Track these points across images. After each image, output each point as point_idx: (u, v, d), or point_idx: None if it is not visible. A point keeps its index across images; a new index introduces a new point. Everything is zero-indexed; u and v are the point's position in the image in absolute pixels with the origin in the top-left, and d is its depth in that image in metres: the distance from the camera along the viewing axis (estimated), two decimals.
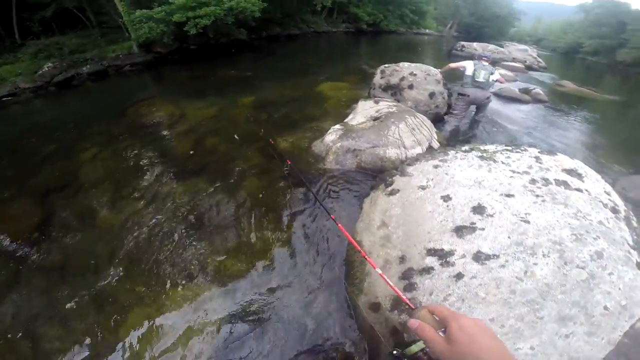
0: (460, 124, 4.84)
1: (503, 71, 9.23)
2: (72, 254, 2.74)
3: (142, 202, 3.24)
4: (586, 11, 35.86)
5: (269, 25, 17.21)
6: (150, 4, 11.66)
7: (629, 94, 11.93)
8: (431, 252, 1.78)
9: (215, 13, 11.46)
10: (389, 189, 2.58)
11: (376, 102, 4.28)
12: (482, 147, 2.84)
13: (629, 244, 1.69)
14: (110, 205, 3.27)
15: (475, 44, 14.74)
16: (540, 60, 14.94)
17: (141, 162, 4.05)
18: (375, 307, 1.82)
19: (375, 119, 3.83)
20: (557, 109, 6.72)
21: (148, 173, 3.78)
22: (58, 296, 2.35)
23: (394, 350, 0.66)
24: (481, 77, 4.52)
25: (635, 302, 1.42)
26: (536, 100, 7.13)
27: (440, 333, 0.55)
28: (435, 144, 3.84)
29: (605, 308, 1.38)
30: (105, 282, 2.42)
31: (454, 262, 1.67)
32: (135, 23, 11.54)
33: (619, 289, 1.44)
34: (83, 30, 13.92)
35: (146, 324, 2.09)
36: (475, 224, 1.83)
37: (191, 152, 4.15)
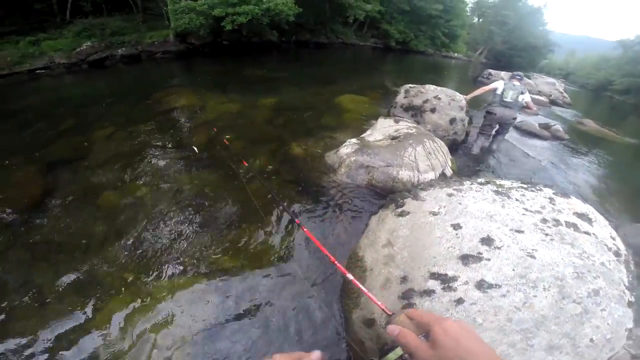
0: (486, 143, 4.95)
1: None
2: (65, 230, 2.72)
3: (147, 188, 3.27)
4: (625, 47, 34.74)
5: (300, 30, 17.57)
6: None
7: None
8: (434, 275, 1.82)
9: (253, 12, 11.83)
10: (399, 210, 2.59)
11: (396, 122, 4.29)
12: (498, 182, 2.84)
13: (624, 284, 1.80)
14: (114, 186, 3.30)
15: (502, 73, 14.40)
16: (566, 95, 14.66)
17: (154, 148, 4.12)
18: (370, 322, 1.85)
19: (394, 138, 3.83)
20: (575, 148, 6.61)
21: (159, 159, 3.84)
22: (40, 272, 2.32)
23: (371, 359, 0.66)
24: (509, 97, 4.52)
25: (619, 336, 1.54)
26: (555, 137, 7.02)
27: (422, 338, 0.53)
28: (449, 172, 3.82)
29: (591, 340, 1.50)
30: (93, 264, 2.39)
31: (456, 287, 1.72)
32: (178, 12, 12.03)
33: (608, 324, 1.56)
34: (129, 14, 14.52)
35: (126, 312, 2.05)
36: (482, 254, 1.87)
37: (205, 145, 4.21)
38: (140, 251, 2.50)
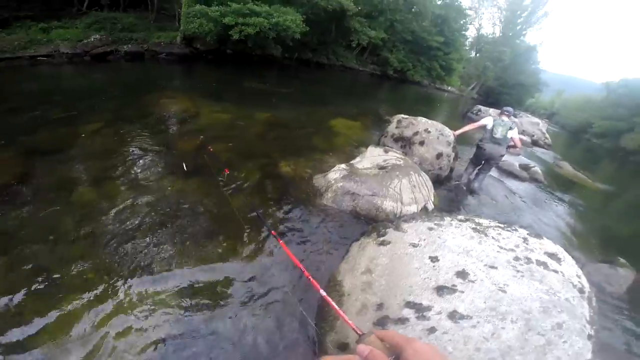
0: (472, 175, 5.18)
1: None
2: (32, 223, 2.60)
3: (125, 188, 3.20)
4: (609, 90, 35.55)
5: (303, 49, 17.98)
6: (210, 2, 12.35)
7: (620, 183, 12.34)
8: (410, 304, 1.92)
9: (262, 24, 12.10)
10: (381, 239, 2.70)
11: (385, 151, 4.45)
12: (477, 220, 2.99)
13: (586, 318, 1.92)
14: (91, 183, 3.21)
15: (491, 110, 14.84)
16: (547, 136, 15.03)
17: (139, 149, 4.06)
18: (343, 346, 1.91)
19: (381, 167, 3.96)
20: (551, 191, 6.94)
21: (142, 161, 3.78)
22: None
23: None
24: (499, 134, 4.64)
25: None
26: (533, 179, 7.33)
27: None
28: (431, 206, 3.95)
29: None
30: (55, 260, 2.29)
31: (429, 316, 1.82)
32: (190, 16, 12.19)
33: (568, 354, 1.67)
34: (143, 12, 14.63)
35: (85, 315, 1.97)
36: (456, 286, 1.99)
37: (192, 153, 4.20)
38: (109, 253, 2.42)
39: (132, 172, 3.54)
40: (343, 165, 3.93)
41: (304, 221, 3.22)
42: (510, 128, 4.66)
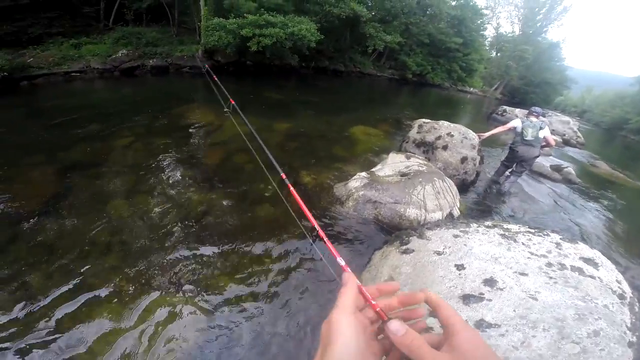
0: (503, 176, 5.13)
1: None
2: (69, 234, 2.77)
3: (156, 201, 3.37)
4: None
5: (320, 57, 18.15)
6: (227, 15, 12.76)
7: None
8: (434, 313, 1.88)
9: (278, 35, 12.37)
10: (404, 247, 2.64)
11: (407, 158, 4.37)
12: (505, 226, 2.89)
13: (627, 325, 1.82)
14: (125, 196, 3.40)
15: (517, 110, 14.35)
16: (579, 135, 14.22)
17: (169, 162, 4.27)
18: None
19: (403, 174, 3.89)
20: (586, 192, 6.52)
21: (171, 174, 3.97)
22: (35, 271, 2.37)
23: None
24: (529, 136, 4.56)
25: None
26: (566, 180, 6.91)
27: None
28: (456, 212, 3.83)
29: None
30: (89, 269, 2.42)
31: None
32: (209, 29, 12.64)
33: None
34: (165, 26, 15.35)
35: (114, 322, 2.06)
36: (483, 294, 1.93)
37: (217, 164, 4.34)
38: (140, 263, 2.54)
39: (162, 184, 3.71)
40: (364, 174, 3.89)
41: (325, 231, 3.20)
42: (541, 128, 4.55)
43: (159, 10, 15.00)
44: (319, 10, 16.55)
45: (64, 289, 2.28)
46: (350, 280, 0.47)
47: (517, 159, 4.83)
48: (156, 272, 2.48)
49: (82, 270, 2.43)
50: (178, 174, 4.01)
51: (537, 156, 4.75)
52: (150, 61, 12.51)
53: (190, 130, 5.69)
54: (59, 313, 2.11)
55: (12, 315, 2.07)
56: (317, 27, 13.85)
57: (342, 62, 20.33)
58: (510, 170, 5.05)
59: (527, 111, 4.89)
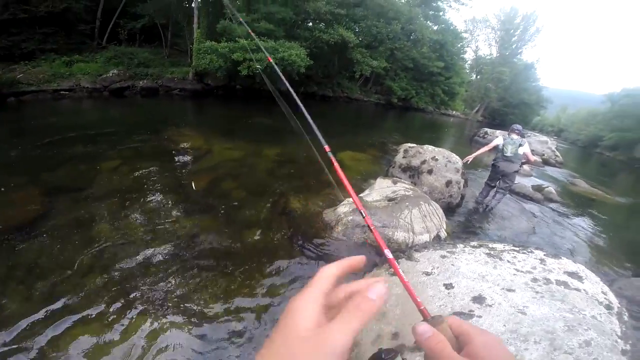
0: (489, 195, 5.34)
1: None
2: (50, 256, 2.73)
3: (142, 226, 3.31)
4: (612, 101, 35.30)
5: (309, 83, 18.67)
6: (220, 39, 13.06)
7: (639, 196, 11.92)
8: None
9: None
10: (393, 269, 2.68)
11: (394, 183, 4.47)
12: (490, 245, 2.99)
13: (617, 334, 1.86)
14: (110, 220, 3.33)
15: (497, 132, 14.59)
16: (558, 154, 14.84)
17: (156, 187, 4.23)
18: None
19: (391, 199, 3.98)
20: (568, 210, 6.77)
21: (158, 199, 3.93)
22: (13, 293, 2.33)
23: None
24: (509, 152, 4.89)
25: None
26: (548, 199, 7.18)
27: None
28: (443, 234, 3.92)
29: None
30: (68, 292, 2.37)
31: None
32: (201, 52, 12.89)
33: None
34: (157, 47, 15.62)
35: (93, 346, 2.01)
36: (473, 311, 1.96)
37: (205, 189, 4.34)
38: (123, 287, 2.48)
39: (148, 209, 3.66)
40: (352, 199, 3.94)
41: (315, 255, 3.23)
42: (520, 145, 4.85)
43: (152, 31, 15.32)
44: (309, 35, 17.18)
45: (44, 310, 2.23)
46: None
47: (498, 174, 5.10)
48: (141, 294, 2.43)
49: (63, 292, 2.38)
50: (165, 198, 3.98)
51: (516, 171, 5.02)
52: (141, 82, 12.60)
53: (179, 154, 5.70)
54: (36, 334, 2.06)
55: None
56: (307, 53, 14.30)
57: (330, 88, 20.93)
58: (495, 188, 5.27)
59: (510, 128, 5.20)
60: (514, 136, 4.95)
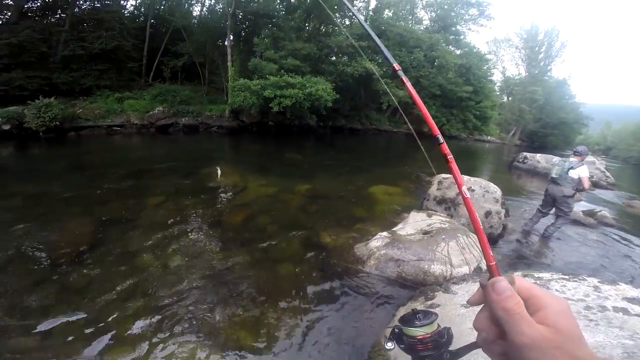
0: (538, 222, 5.19)
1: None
2: (96, 280, 2.98)
3: (182, 257, 3.51)
4: None
5: (337, 116, 19.14)
6: (252, 76, 13.98)
7: None
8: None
9: (297, 95, 13.31)
10: (429, 302, 2.62)
11: (429, 216, 4.35)
12: (536, 275, 2.85)
13: None
14: (154, 251, 3.59)
15: (538, 156, 13.49)
16: (608, 175, 13.45)
17: (196, 221, 4.49)
18: None
19: (426, 232, 3.87)
20: (625, 234, 6.07)
21: (198, 233, 4.16)
22: (58, 310, 2.56)
23: (396, 326, 0.56)
24: (553, 173, 4.84)
25: None
26: (602, 223, 6.54)
27: None
28: (484, 266, 3.71)
29: None
30: (112, 315, 2.54)
31: None
32: (235, 90, 13.82)
33: None
34: (196, 85, 17.03)
35: None
36: None
37: (241, 225, 4.53)
38: (161, 314, 2.62)
39: (188, 242, 3.89)
40: (385, 233, 3.90)
41: (347, 289, 3.21)
42: (571, 168, 4.61)
43: (192, 69, 16.81)
44: (334, 69, 17.86)
45: (84, 328, 2.41)
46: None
47: (548, 198, 4.94)
48: (177, 321, 2.56)
49: (103, 313, 2.58)
50: (204, 232, 4.19)
51: (566, 195, 4.72)
52: (183, 119, 13.64)
53: (217, 190, 6.02)
54: (76, 350, 2.22)
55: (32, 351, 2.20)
56: (333, 87, 14.81)
57: (358, 120, 21.22)
58: (551, 212, 5.09)
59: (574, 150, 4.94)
60: (572, 158, 4.72)
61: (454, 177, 0.58)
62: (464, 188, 0.53)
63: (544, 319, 0.37)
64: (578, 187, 4.65)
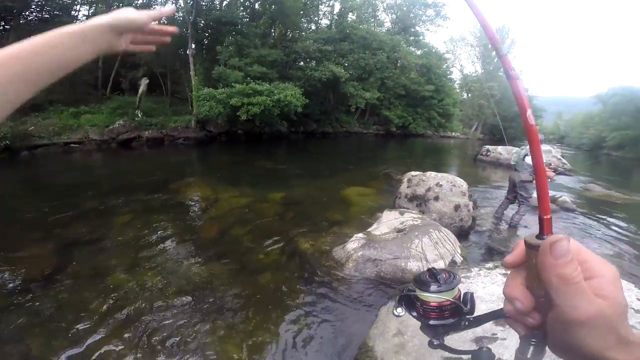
0: (507, 208, 5.48)
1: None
2: (68, 304, 2.84)
3: (158, 274, 3.37)
4: (603, 101, 35.35)
5: (307, 121, 19.27)
6: (217, 85, 13.66)
7: None
8: None
9: (265, 102, 13.16)
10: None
11: (401, 214, 4.46)
12: None
13: None
14: (124, 269, 3.42)
15: (499, 148, 14.23)
16: (565, 162, 14.47)
17: (168, 238, 4.31)
18: None
19: (399, 230, 3.95)
20: (586, 217, 6.54)
21: (171, 249, 4.00)
22: (33, 337, 2.41)
23: (408, 288, 0.47)
24: (512, 160, 5.24)
25: None
26: (563, 208, 6.97)
27: None
28: (459, 259, 3.85)
29: None
30: (86, 337, 2.43)
31: None
32: (200, 99, 13.42)
33: None
34: (159, 96, 16.27)
35: None
36: (496, 334, 1.95)
37: (216, 238, 4.41)
38: (139, 332, 2.51)
39: (161, 260, 3.72)
40: (360, 235, 3.95)
41: (329, 293, 3.21)
42: (527, 154, 4.94)
43: (152, 80, 16.02)
44: (302, 75, 17.98)
45: (62, 354, 2.28)
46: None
47: (510, 185, 5.28)
48: (158, 340, 2.46)
49: (80, 337, 2.44)
50: (177, 248, 4.05)
51: (523, 180, 5.01)
52: (146, 132, 12.93)
53: (187, 205, 5.81)
54: None
55: None
56: (302, 92, 14.88)
57: (329, 124, 21.52)
58: (514, 201, 5.34)
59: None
60: (526, 146, 5.07)
61: (517, 97, 0.40)
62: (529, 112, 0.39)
63: (599, 290, 0.31)
64: (532, 171, 4.97)
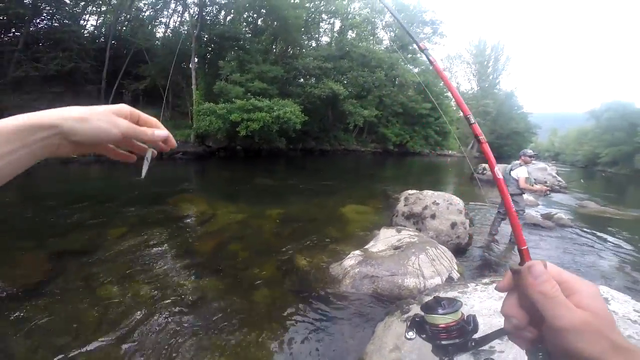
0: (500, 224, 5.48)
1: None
2: (58, 314, 2.80)
3: (152, 288, 3.34)
4: (596, 117, 35.62)
5: (306, 138, 19.48)
6: (217, 100, 13.78)
7: None
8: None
9: (264, 119, 13.27)
10: (405, 315, 2.67)
11: (398, 231, 4.48)
12: None
13: None
14: (117, 282, 3.39)
15: (496, 167, 14.49)
16: (560, 179, 14.71)
17: (162, 251, 4.29)
18: None
19: (396, 248, 3.97)
20: (582, 233, 6.60)
21: (166, 263, 3.97)
22: (22, 347, 2.38)
23: (417, 314, 0.54)
24: (499, 175, 5.12)
25: None
26: (560, 225, 7.04)
27: None
28: (455, 275, 3.85)
29: None
30: (73, 351, 2.38)
31: None
32: (200, 114, 13.50)
33: None
34: (159, 109, 16.31)
35: None
36: (494, 347, 1.93)
37: (212, 253, 4.39)
38: (129, 347, 2.46)
39: (156, 273, 3.68)
40: (357, 252, 3.96)
41: (325, 309, 3.19)
42: (512, 169, 5.10)
43: (154, 92, 16.22)
44: (301, 92, 18.25)
45: None
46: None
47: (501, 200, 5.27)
48: (150, 353, 2.41)
49: (71, 348, 2.39)
50: (172, 262, 4.01)
51: (512, 194, 5.03)
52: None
53: (184, 220, 5.79)
54: None
55: None
56: (301, 109, 15.06)
57: (327, 142, 21.75)
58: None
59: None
60: (516, 161, 5.24)
61: (487, 157, 0.59)
62: (496, 169, 0.55)
63: (578, 303, 0.36)
64: (517, 185, 5.13)
